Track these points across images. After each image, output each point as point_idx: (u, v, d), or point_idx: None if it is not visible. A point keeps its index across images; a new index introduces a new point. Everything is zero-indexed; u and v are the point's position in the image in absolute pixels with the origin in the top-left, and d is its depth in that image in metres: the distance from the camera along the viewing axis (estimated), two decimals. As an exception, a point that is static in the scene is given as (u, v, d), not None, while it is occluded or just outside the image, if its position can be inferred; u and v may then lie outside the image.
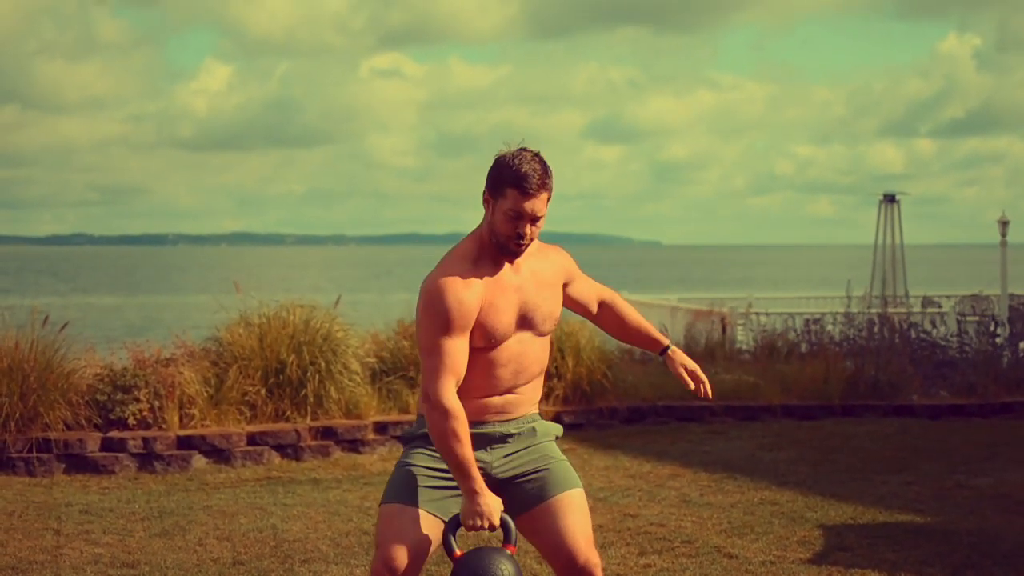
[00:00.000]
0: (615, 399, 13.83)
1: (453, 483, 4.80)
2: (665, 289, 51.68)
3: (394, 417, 12.65)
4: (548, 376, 13.45)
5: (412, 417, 12.65)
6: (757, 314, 18.35)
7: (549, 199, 4.81)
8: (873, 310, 17.27)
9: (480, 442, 4.86)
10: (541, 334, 4.94)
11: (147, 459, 11.50)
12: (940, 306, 19.28)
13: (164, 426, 11.79)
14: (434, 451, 4.83)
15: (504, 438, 4.90)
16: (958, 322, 16.92)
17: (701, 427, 13.49)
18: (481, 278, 4.80)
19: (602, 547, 8.27)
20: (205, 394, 12.08)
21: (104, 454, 11.44)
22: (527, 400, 4.97)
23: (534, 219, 4.76)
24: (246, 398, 12.25)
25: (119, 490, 10.62)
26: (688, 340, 16.52)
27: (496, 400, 4.87)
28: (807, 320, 17.21)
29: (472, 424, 4.78)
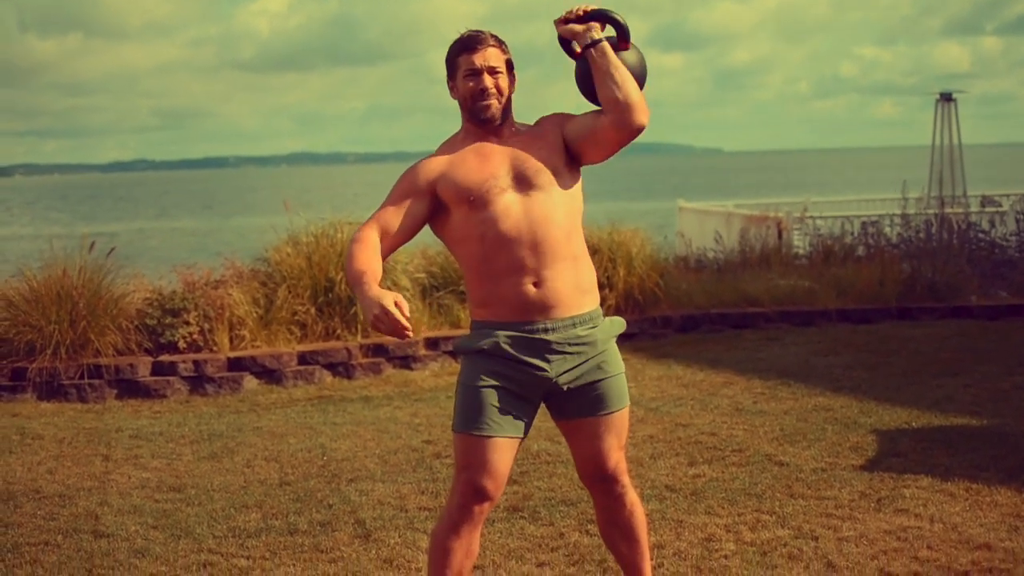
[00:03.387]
0: (668, 308, 13.69)
1: (519, 395, 4.74)
2: (724, 195, 51.30)
3: (445, 332, 12.58)
4: (600, 286, 13.28)
5: (464, 331, 12.58)
6: (813, 218, 18.11)
7: (508, 60, 4.85)
8: (930, 211, 16.99)
9: (536, 348, 4.70)
10: (541, 187, 4.72)
11: (198, 382, 11.49)
12: (1000, 205, 18.97)
13: (215, 348, 11.77)
14: (494, 361, 4.73)
15: (562, 349, 4.71)
16: (1017, 221, 16.60)
17: (756, 334, 13.34)
18: (454, 148, 4.86)
19: (652, 458, 8.19)
20: (255, 315, 12.05)
21: (155, 378, 11.44)
22: (568, 290, 4.71)
23: (492, 71, 4.79)
24: (296, 318, 12.21)
25: (170, 414, 10.61)
26: (743, 246, 16.32)
27: (530, 289, 4.67)
28: (864, 223, 16.96)
29: (520, 324, 4.70)
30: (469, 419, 4.73)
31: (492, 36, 4.84)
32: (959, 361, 11.37)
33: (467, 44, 4.81)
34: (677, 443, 8.60)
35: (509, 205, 4.68)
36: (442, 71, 4.91)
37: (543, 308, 4.70)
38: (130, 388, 11.38)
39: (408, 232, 4.81)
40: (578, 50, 4.78)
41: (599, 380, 4.80)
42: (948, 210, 17.38)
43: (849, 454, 8.09)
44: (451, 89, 4.87)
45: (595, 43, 4.74)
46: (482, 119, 4.78)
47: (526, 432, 4.80)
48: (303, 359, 11.84)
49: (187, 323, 11.77)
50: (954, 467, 7.63)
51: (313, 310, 12.25)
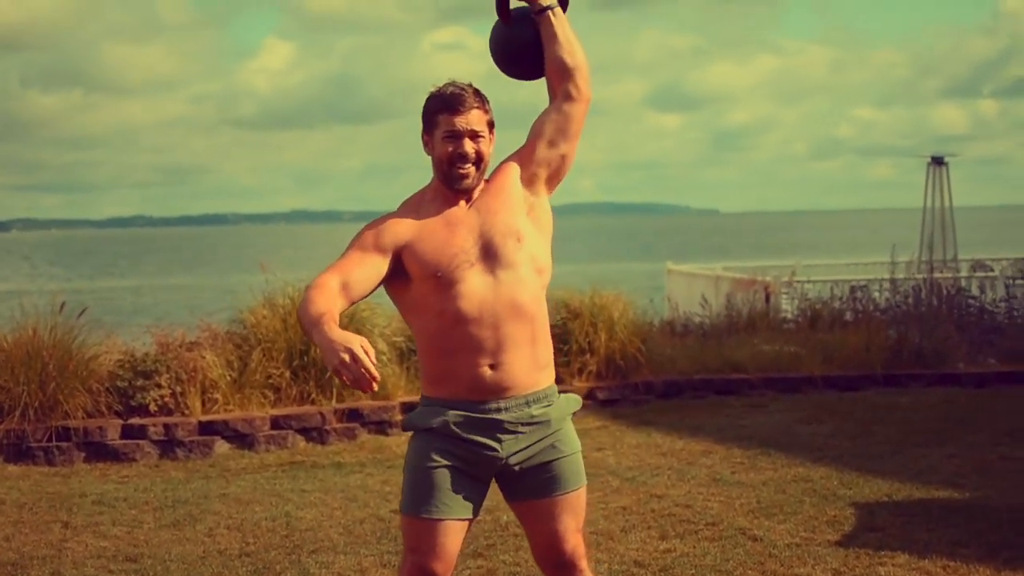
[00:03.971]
0: (650, 373, 13.45)
1: (470, 472, 4.54)
2: (717, 257, 51.18)
3: (422, 397, 12.32)
4: (580, 351, 13.12)
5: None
6: (801, 282, 17.93)
7: (490, 122, 4.62)
8: (919, 275, 16.80)
9: (487, 428, 4.51)
10: (510, 263, 4.52)
11: (168, 446, 11.26)
12: (992, 269, 18.79)
13: (186, 412, 11.54)
14: (444, 440, 4.52)
15: (514, 428, 4.52)
16: (1006, 286, 16.41)
17: (740, 400, 13.12)
18: (420, 211, 4.61)
19: (623, 531, 7.97)
20: (228, 378, 11.83)
21: (125, 442, 11.21)
22: (525, 370, 4.53)
23: (473, 135, 4.54)
24: (270, 381, 11.98)
25: (138, 479, 10.39)
26: (730, 310, 16.12)
27: (486, 371, 4.48)
28: (852, 287, 16.77)
29: (472, 404, 4.50)
30: (418, 501, 4.52)
31: (475, 94, 4.59)
32: (944, 430, 11.17)
33: (449, 103, 4.55)
34: (650, 515, 8.38)
35: (476, 284, 4.49)
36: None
37: (497, 389, 4.51)
38: (99, 451, 11.14)
39: (366, 289, 4.56)
40: (537, 8, 4.67)
41: (553, 460, 4.59)
42: (937, 275, 17.19)
43: (826, 528, 7.87)
44: (425, 144, 4.63)
45: (551, 7, 4.67)
46: (456, 188, 4.57)
47: (476, 513, 4.60)
48: (276, 423, 11.62)
49: (159, 386, 11.55)
50: (933, 543, 7.40)
51: (288, 374, 12.03)
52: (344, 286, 4.49)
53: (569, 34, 4.68)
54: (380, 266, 4.55)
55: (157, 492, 9.73)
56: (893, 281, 16.35)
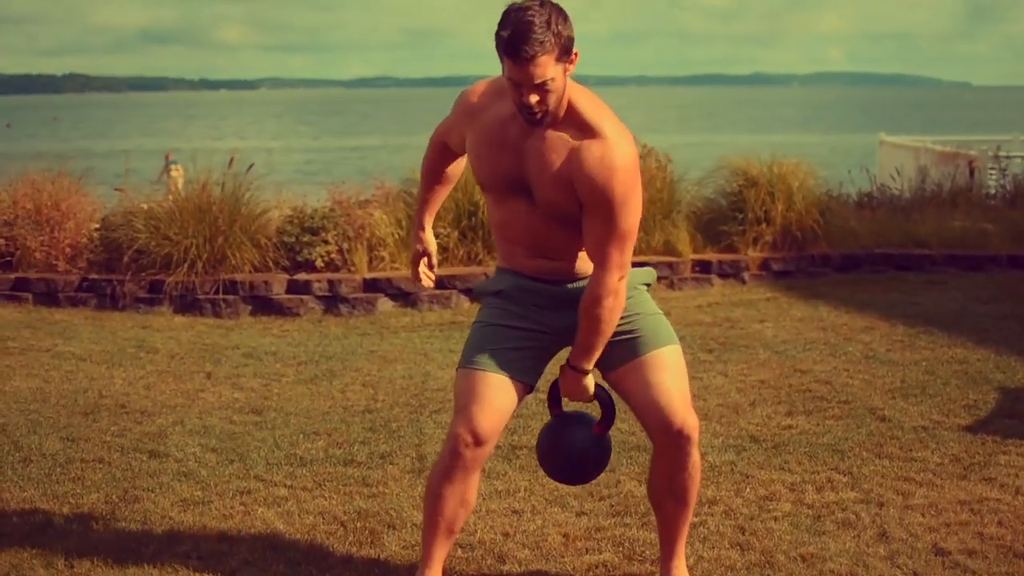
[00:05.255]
0: (828, 246, 13.07)
1: (532, 340, 4.53)
2: (955, 131, 49.56)
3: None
4: (756, 221, 12.82)
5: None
6: (1010, 157, 17.21)
7: (562, 52, 4.13)
8: None
9: (551, 296, 4.51)
10: (551, 216, 4.38)
11: (332, 302, 11.38)
12: None
13: (352, 269, 11.64)
14: (511, 303, 4.54)
15: (575, 299, 4.44)
16: None
17: (918, 277, 12.68)
18: (496, 107, 4.44)
19: (751, 404, 7.78)
20: (396, 236, 11.87)
21: (290, 296, 11.37)
22: (578, 261, 4.50)
23: (539, 88, 4.13)
24: (437, 241, 11.96)
25: (298, 333, 10.53)
26: (927, 184, 15.54)
27: (540, 261, 4.50)
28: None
29: (534, 279, 4.52)
30: (470, 355, 4.52)
31: (544, 30, 4.05)
32: None
33: (510, 50, 4.07)
34: (785, 390, 8.15)
35: (516, 205, 4.44)
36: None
37: (553, 273, 4.52)
38: (264, 305, 11.33)
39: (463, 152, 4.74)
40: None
41: (629, 325, 4.51)
42: None
43: (961, 412, 7.54)
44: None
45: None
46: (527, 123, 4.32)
47: (532, 380, 4.54)
48: (440, 283, 11.63)
49: (325, 242, 11.66)
50: (1068, 435, 7.04)
51: (456, 234, 12.01)
52: (449, 146, 4.79)
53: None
54: (460, 135, 4.64)
55: (309, 347, 9.84)
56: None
